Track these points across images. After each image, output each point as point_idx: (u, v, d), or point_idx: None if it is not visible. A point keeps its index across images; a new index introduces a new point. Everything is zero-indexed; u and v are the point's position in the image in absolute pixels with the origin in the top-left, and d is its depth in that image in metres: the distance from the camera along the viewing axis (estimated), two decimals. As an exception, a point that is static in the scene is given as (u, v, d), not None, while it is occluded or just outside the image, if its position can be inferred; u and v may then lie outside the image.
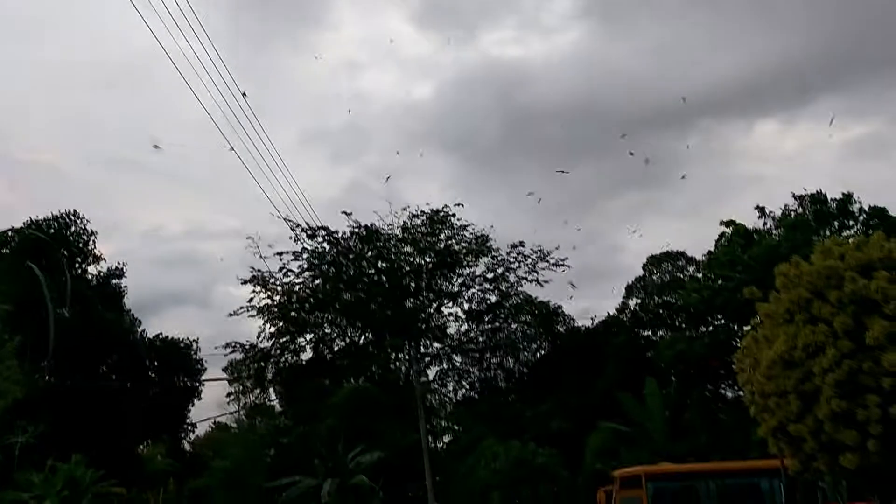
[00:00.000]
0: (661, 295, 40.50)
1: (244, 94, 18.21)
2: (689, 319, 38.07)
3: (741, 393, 34.87)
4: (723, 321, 36.19)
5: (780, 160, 68.21)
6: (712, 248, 38.63)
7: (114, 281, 42.97)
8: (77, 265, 41.84)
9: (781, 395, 13.11)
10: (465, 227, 40.44)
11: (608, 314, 43.29)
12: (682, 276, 41.40)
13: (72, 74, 73.88)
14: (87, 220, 41.45)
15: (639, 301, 42.13)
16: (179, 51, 15.89)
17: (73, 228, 41.00)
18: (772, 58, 62.23)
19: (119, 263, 43.24)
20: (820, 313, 12.66)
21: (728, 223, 38.26)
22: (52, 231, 40.42)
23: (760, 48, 63.02)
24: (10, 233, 39.69)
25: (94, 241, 41.79)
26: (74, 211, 41.29)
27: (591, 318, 43.37)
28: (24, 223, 39.81)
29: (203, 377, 44.60)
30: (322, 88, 76.94)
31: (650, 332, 41.88)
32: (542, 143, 62.99)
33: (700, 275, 39.27)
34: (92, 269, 42.55)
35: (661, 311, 40.75)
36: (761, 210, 38.34)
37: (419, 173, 79.35)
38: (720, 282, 36.19)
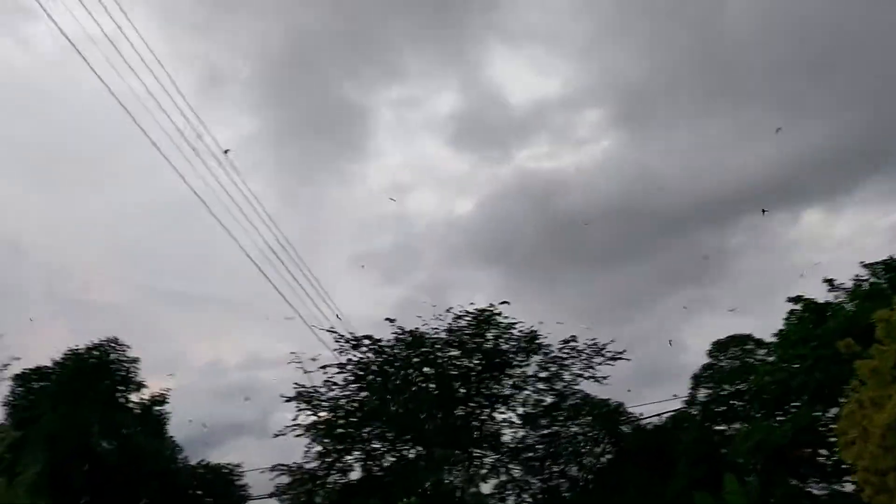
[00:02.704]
0: (731, 382, 37.31)
1: (226, 152, 17.56)
2: (765, 406, 34.72)
3: (835, 486, 31.32)
4: (800, 405, 32.87)
5: (830, 248, 65.92)
6: (782, 328, 35.72)
7: (156, 408, 41.88)
8: (119, 393, 41.06)
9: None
10: (512, 326, 38.57)
11: (679, 404, 39.91)
12: (751, 360, 38.23)
13: (124, 213, 75.89)
14: (128, 347, 40.95)
15: (708, 391, 38.85)
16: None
17: (112, 356, 40.38)
18: (808, 147, 60.66)
19: (161, 390, 42.31)
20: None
21: (796, 299, 35.45)
22: (93, 360, 39.91)
23: (793, 138, 61.81)
24: (51, 364, 39.38)
25: (135, 368, 41.09)
26: (115, 338, 40.90)
27: (657, 415, 40.10)
28: (63, 354, 39.44)
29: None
30: (368, 212, 79.72)
31: (724, 426, 38.36)
32: (583, 248, 62.34)
33: (772, 358, 36.16)
34: (134, 398, 41.67)
35: (732, 402, 37.43)
36: (830, 283, 35.46)
37: (464, 287, 79.06)
38: (796, 364, 33.18)
